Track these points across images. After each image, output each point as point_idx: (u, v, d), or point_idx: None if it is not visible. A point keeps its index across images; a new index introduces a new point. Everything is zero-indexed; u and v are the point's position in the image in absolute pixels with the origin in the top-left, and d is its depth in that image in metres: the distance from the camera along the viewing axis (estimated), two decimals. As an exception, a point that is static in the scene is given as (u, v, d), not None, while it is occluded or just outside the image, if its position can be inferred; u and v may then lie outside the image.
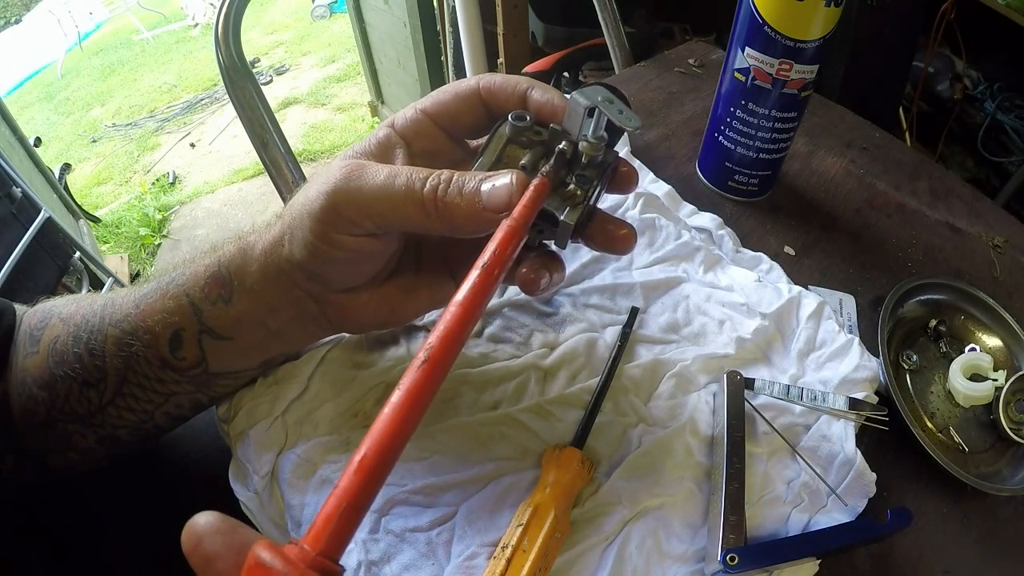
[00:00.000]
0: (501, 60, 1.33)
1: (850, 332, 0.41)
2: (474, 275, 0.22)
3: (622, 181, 0.29)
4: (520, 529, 0.27)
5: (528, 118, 0.28)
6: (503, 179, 0.25)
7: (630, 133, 0.53)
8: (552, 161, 0.26)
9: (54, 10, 3.83)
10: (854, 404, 0.35)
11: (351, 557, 0.29)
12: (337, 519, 0.17)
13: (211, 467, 0.33)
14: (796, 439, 0.34)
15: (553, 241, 0.28)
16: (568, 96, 0.27)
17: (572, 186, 0.26)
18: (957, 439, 0.37)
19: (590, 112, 0.26)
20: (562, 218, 0.26)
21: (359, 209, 0.26)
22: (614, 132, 0.28)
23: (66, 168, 2.26)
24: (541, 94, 0.28)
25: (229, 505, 0.31)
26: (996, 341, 0.42)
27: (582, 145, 0.27)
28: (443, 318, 0.21)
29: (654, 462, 0.32)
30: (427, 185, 0.25)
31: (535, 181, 0.25)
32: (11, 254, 1.17)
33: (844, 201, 0.52)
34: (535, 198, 0.24)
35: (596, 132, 0.26)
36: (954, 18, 1.17)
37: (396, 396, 0.19)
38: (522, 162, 0.27)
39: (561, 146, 0.26)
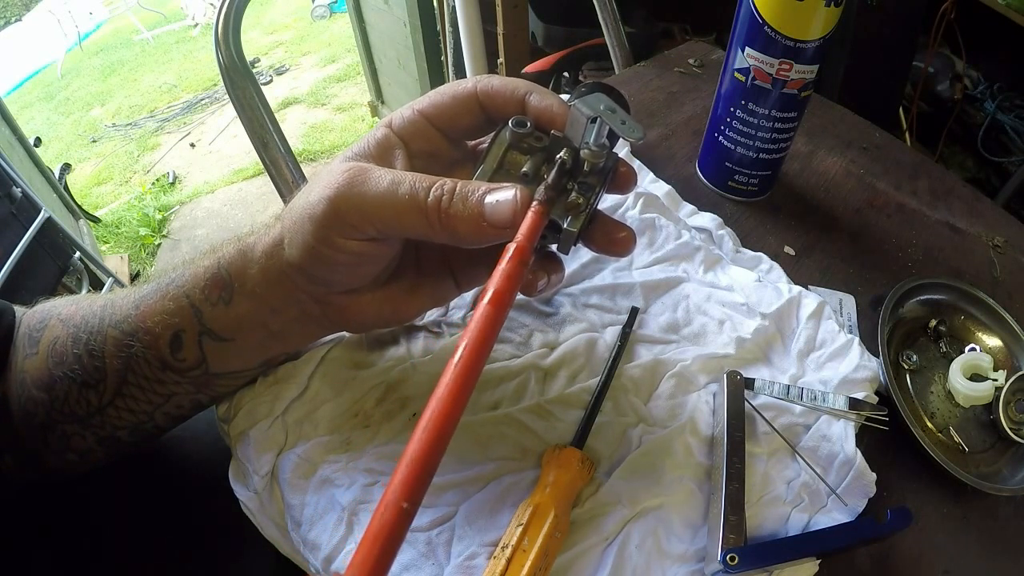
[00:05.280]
0: (501, 60, 1.33)
1: (850, 332, 0.41)
2: (484, 304, 0.22)
3: (621, 181, 0.29)
4: (520, 529, 0.27)
5: (528, 124, 0.28)
6: (506, 194, 0.25)
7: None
8: (554, 171, 0.26)
9: (54, 10, 3.83)
10: (854, 404, 0.35)
11: (351, 557, 0.29)
12: (379, 552, 0.17)
13: (211, 468, 0.33)
14: (796, 439, 0.34)
15: (556, 247, 0.28)
16: (569, 104, 0.27)
17: (574, 194, 0.26)
18: (957, 439, 0.37)
19: (592, 120, 0.26)
20: (565, 226, 0.26)
21: (362, 215, 0.25)
22: (613, 136, 0.28)
23: (66, 168, 2.26)
24: (539, 100, 0.28)
25: (229, 505, 0.31)
26: (996, 341, 0.42)
27: (584, 152, 0.26)
28: (460, 348, 0.21)
29: (654, 462, 0.32)
30: (431, 195, 0.25)
31: (537, 198, 0.25)
32: (11, 254, 1.17)
33: (844, 201, 0.52)
34: (539, 217, 0.24)
35: (598, 140, 0.26)
36: (954, 18, 1.17)
37: (421, 429, 0.19)
38: (523, 169, 0.27)
39: (562, 155, 0.26)
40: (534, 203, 0.25)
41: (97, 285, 1.48)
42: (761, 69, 0.42)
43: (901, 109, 1.32)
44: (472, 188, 0.25)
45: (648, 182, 0.49)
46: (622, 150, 0.51)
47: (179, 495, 0.33)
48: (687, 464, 0.32)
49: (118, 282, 1.56)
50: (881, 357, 0.37)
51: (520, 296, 0.38)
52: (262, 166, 0.62)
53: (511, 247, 0.24)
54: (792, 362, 0.38)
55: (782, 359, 0.38)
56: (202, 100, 3.11)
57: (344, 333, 0.36)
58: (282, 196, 0.62)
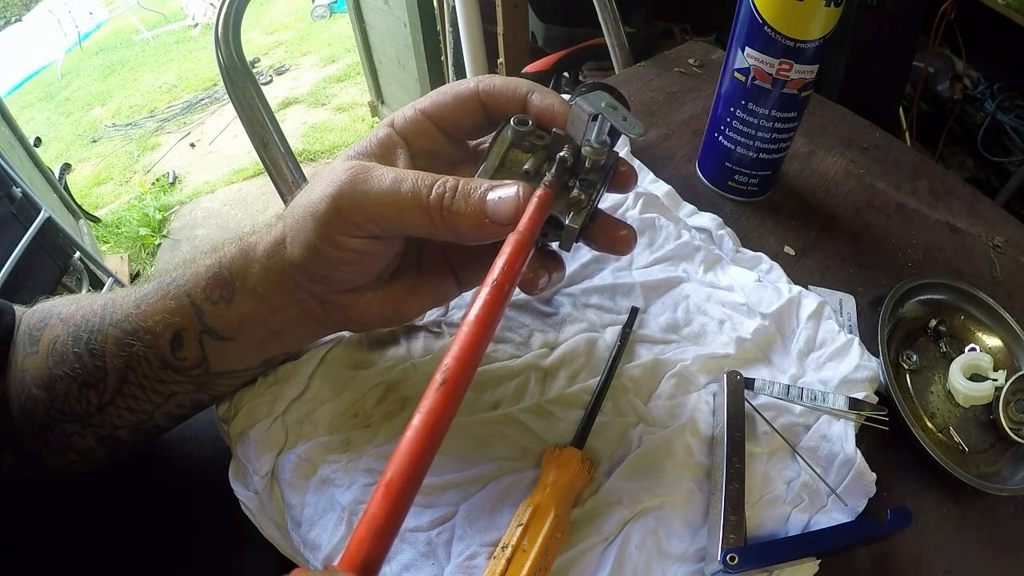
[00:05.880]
0: (501, 60, 1.33)
1: (850, 332, 0.41)
2: (485, 292, 0.22)
3: (621, 181, 0.29)
4: (520, 529, 0.27)
5: (530, 122, 0.28)
6: (509, 191, 0.25)
7: (630, 133, 0.54)
8: (555, 168, 0.26)
9: (54, 10, 3.83)
10: (854, 404, 0.35)
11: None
12: (370, 542, 0.17)
13: (211, 467, 0.33)
14: (796, 439, 0.34)
15: (557, 244, 0.28)
16: (571, 102, 0.27)
17: (576, 191, 0.26)
18: (957, 439, 0.37)
19: (593, 118, 0.26)
20: (567, 223, 0.26)
21: (364, 213, 0.25)
22: (614, 133, 0.28)
23: (66, 168, 2.26)
24: (541, 99, 0.28)
25: (229, 505, 0.31)
26: (996, 341, 0.42)
27: (585, 150, 0.26)
28: (458, 337, 0.20)
29: (654, 462, 0.32)
30: (433, 192, 0.25)
31: (539, 192, 0.25)
32: (11, 254, 1.17)
33: (844, 201, 0.52)
34: (540, 210, 0.24)
35: (599, 137, 0.26)
36: (954, 18, 1.17)
37: (418, 419, 0.19)
38: (525, 167, 0.27)
39: (563, 152, 0.26)
40: (538, 190, 0.25)
41: (97, 285, 1.48)
42: (761, 69, 0.42)
43: (901, 109, 1.32)
44: (474, 185, 0.25)
45: (648, 182, 0.49)
46: (622, 150, 0.51)
47: (179, 495, 0.33)
48: (687, 464, 0.33)
49: (118, 282, 1.56)
50: (881, 357, 0.37)
51: (520, 295, 0.38)
52: (262, 166, 0.62)
53: (513, 235, 0.24)
54: (792, 362, 0.38)
55: (782, 359, 0.38)
56: (202, 100, 3.11)
57: (344, 333, 0.36)
58: (282, 196, 0.62)
